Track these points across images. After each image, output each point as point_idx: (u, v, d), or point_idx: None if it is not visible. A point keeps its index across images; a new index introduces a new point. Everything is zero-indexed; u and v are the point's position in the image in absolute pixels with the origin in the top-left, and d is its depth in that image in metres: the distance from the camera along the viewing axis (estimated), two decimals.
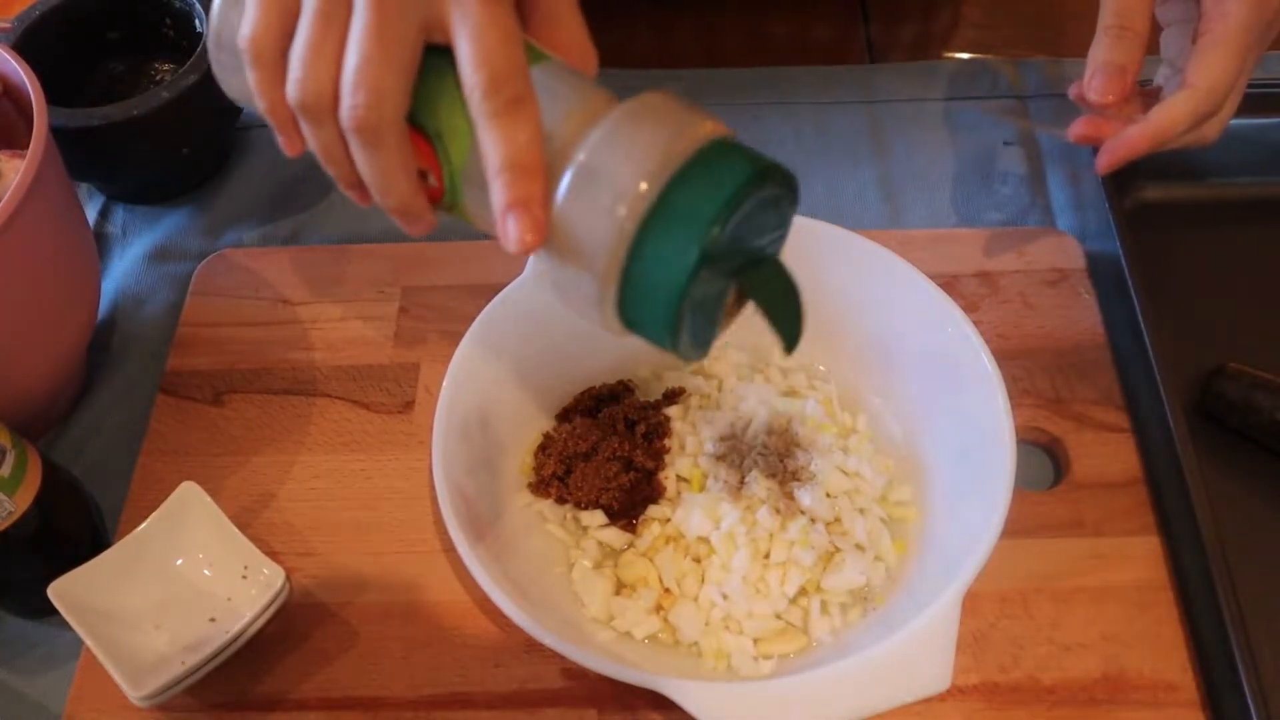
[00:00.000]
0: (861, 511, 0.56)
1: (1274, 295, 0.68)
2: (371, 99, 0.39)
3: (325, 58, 0.40)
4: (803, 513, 0.55)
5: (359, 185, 0.43)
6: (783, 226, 0.43)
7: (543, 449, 0.60)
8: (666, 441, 0.58)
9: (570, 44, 0.45)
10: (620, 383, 0.63)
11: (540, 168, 0.39)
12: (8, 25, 0.70)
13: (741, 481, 0.56)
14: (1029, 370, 0.63)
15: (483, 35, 0.39)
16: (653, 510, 0.57)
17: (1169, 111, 0.57)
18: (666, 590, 0.55)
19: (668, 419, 0.59)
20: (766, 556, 0.54)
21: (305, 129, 0.42)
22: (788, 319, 0.43)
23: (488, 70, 0.39)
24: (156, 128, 0.68)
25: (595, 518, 0.57)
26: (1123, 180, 0.70)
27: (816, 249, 0.61)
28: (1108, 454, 0.60)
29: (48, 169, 0.55)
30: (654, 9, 0.86)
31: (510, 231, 0.38)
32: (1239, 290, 0.68)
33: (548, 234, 0.39)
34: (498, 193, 0.39)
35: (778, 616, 0.54)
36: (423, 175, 0.42)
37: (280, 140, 0.43)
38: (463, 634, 0.55)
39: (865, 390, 0.62)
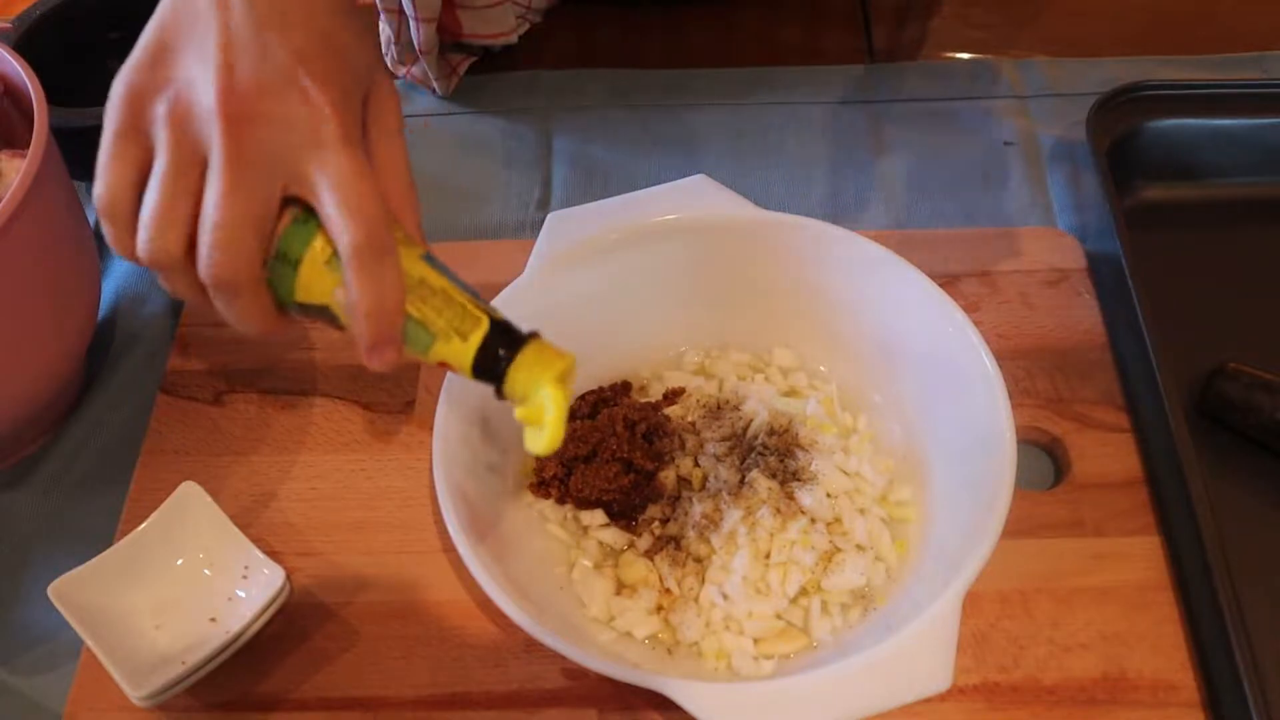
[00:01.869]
0: (862, 512, 0.56)
1: (1274, 295, 0.68)
2: (228, 260, 0.41)
3: (175, 220, 0.42)
4: (803, 513, 0.55)
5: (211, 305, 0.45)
6: None
7: None
8: (667, 442, 0.58)
9: (401, 193, 0.46)
10: (621, 383, 0.63)
11: (401, 308, 0.44)
12: (8, 25, 0.70)
13: (742, 481, 0.56)
14: (1029, 370, 0.63)
15: (350, 187, 0.42)
16: (653, 510, 0.57)
17: None
18: (667, 590, 0.55)
19: (668, 419, 0.59)
20: (767, 556, 0.54)
21: (159, 278, 0.45)
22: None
23: (360, 222, 0.42)
24: None
25: (596, 518, 0.57)
26: (1123, 180, 0.70)
27: (817, 249, 0.61)
28: (1108, 454, 0.60)
29: (48, 169, 0.55)
30: (663, 10, 0.86)
31: (375, 360, 0.44)
32: (1239, 290, 0.68)
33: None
34: (366, 331, 0.43)
35: (778, 617, 0.54)
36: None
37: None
38: (463, 634, 0.55)
39: (865, 390, 0.62)
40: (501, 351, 0.45)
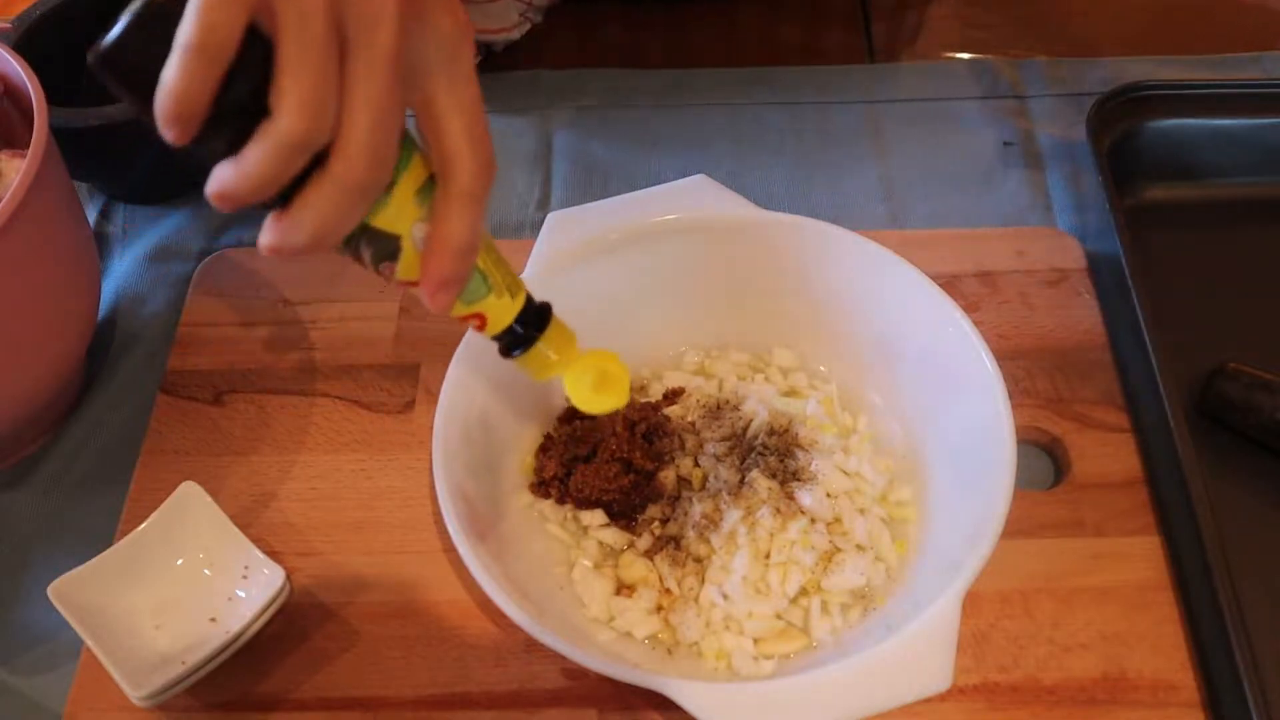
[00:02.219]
0: (862, 511, 0.56)
1: (1274, 295, 0.68)
2: (380, 163, 0.38)
3: (331, 100, 0.37)
4: (803, 513, 0.55)
5: (261, 204, 0.39)
6: None
7: (543, 450, 0.60)
8: (667, 442, 0.58)
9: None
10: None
11: (477, 250, 0.43)
12: (8, 25, 0.70)
13: (742, 481, 0.56)
14: (1029, 370, 0.63)
15: (478, 119, 0.40)
16: (653, 510, 0.57)
17: None
18: (667, 590, 0.55)
19: (668, 419, 0.59)
20: (767, 556, 0.54)
21: (258, 152, 0.37)
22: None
23: (483, 158, 0.40)
24: (157, 128, 0.68)
25: (596, 518, 0.57)
26: (1123, 180, 0.70)
27: (817, 249, 0.61)
28: (1108, 454, 0.60)
29: (48, 169, 0.55)
30: (664, 9, 0.86)
31: (440, 297, 0.42)
32: (1239, 290, 0.68)
33: None
34: (444, 267, 0.41)
35: (778, 617, 0.54)
36: None
37: (167, 131, 0.38)
38: (463, 634, 0.55)
39: (865, 390, 0.62)
40: (536, 319, 0.47)
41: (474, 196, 0.41)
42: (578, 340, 0.49)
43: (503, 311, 0.46)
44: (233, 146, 0.37)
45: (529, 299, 0.47)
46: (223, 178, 0.37)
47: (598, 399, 0.50)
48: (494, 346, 0.48)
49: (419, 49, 0.39)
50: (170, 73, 0.35)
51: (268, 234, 0.39)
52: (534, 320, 0.47)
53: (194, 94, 0.35)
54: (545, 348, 0.48)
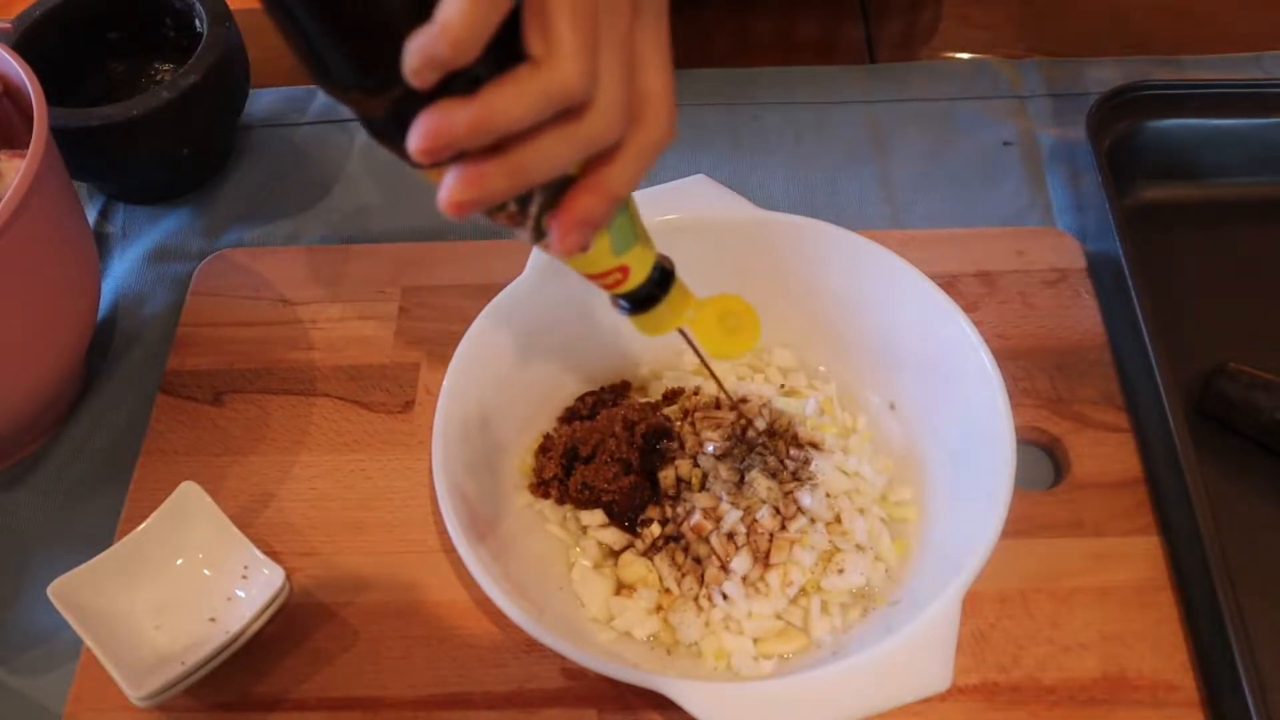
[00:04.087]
0: (862, 511, 0.56)
1: (1274, 295, 0.68)
2: (674, 121, 0.37)
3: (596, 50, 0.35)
4: (803, 513, 0.55)
5: (517, 202, 0.37)
6: None
7: (543, 450, 0.60)
8: (666, 442, 0.58)
9: None
10: (620, 383, 0.63)
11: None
12: (8, 25, 0.70)
13: (741, 481, 0.56)
14: (1029, 370, 0.63)
15: (672, 74, 0.38)
16: (653, 510, 0.57)
17: None
18: (666, 590, 0.55)
19: (668, 419, 0.59)
20: (767, 556, 0.54)
21: (517, 101, 0.33)
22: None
23: (674, 110, 0.38)
24: (156, 128, 0.68)
25: (595, 518, 0.57)
26: (1123, 180, 0.70)
27: (817, 249, 0.61)
28: (1108, 454, 0.60)
29: (48, 169, 0.55)
30: (673, 10, 0.86)
31: (580, 231, 0.38)
32: (1239, 290, 0.68)
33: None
34: (594, 204, 0.38)
35: (778, 617, 0.54)
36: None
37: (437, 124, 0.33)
38: (463, 634, 0.55)
39: (865, 390, 0.62)
40: (663, 272, 0.45)
41: (656, 150, 0.38)
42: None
43: (643, 263, 0.44)
44: (464, 90, 0.33)
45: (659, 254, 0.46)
46: (454, 126, 0.33)
47: (732, 342, 0.48)
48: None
49: None
50: (456, 12, 0.31)
51: (573, 210, 0.37)
52: (662, 274, 0.46)
53: (476, 37, 0.31)
54: (673, 299, 0.46)
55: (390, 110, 0.34)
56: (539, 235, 0.39)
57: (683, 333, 0.48)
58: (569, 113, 0.34)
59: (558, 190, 0.38)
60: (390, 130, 0.34)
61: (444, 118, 0.33)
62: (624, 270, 0.44)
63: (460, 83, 0.32)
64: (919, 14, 0.87)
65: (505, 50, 0.33)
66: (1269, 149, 0.72)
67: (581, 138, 0.35)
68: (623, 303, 0.46)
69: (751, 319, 0.49)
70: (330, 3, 0.31)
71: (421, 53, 0.31)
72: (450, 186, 0.35)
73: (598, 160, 0.37)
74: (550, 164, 0.35)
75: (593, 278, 0.44)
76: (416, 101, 0.33)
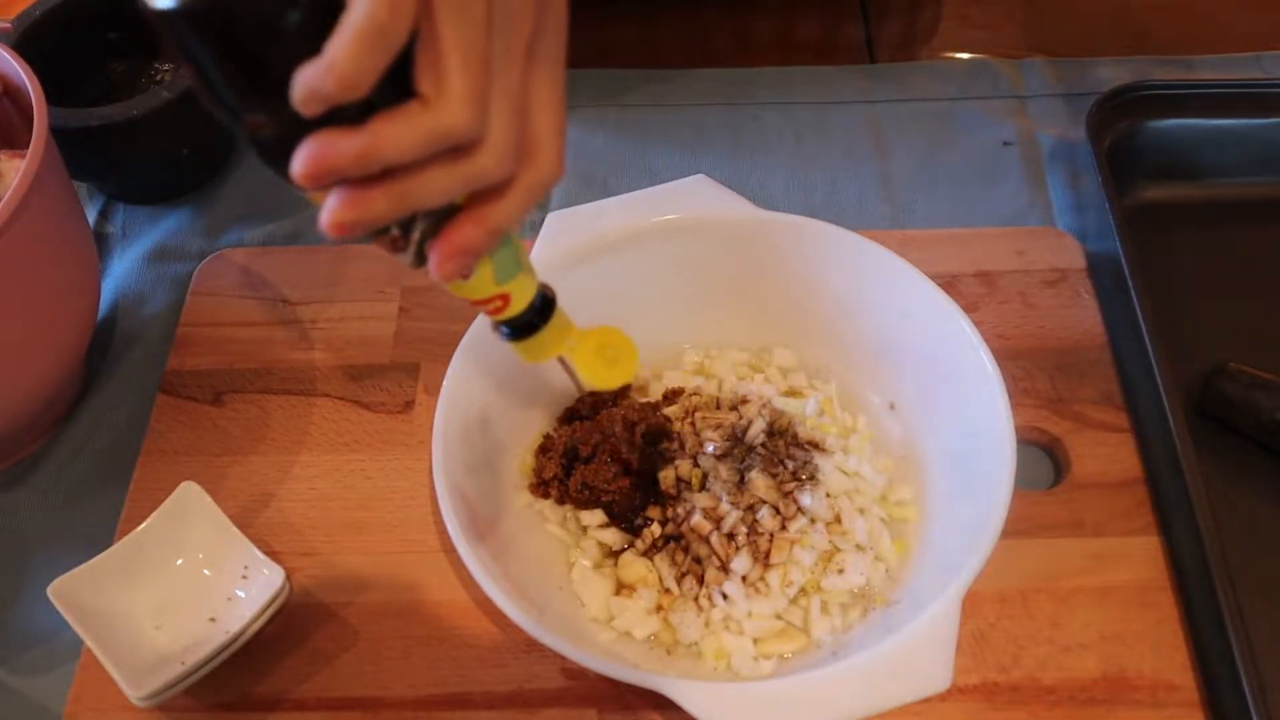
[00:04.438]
0: (862, 511, 0.56)
1: (1274, 295, 0.68)
2: (513, 158, 0.37)
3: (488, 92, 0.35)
4: (803, 513, 0.55)
5: (400, 223, 0.38)
6: None
7: (543, 450, 0.60)
8: (666, 442, 0.58)
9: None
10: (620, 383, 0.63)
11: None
12: (8, 25, 0.70)
13: (741, 481, 0.56)
14: (1029, 370, 0.63)
15: (563, 113, 0.39)
16: (653, 510, 0.57)
17: None
18: (666, 590, 0.55)
19: (668, 419, 0.59)
20: (767, 556, 0.54)
21: (403, 138, 0.33)
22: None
23: (562, 151, 0.39)
24: (156, 128, 0.68)
25: (595, 518, 0.57)
26: (1123, 180, 0.70)
27: (817, 249, 0.61)
28: (1108, 454, 0.60)
29: (48, 169, 0.55)
30: (671, 10, 0.86)
31: (453, 264, 0.39)
32: (1239, 290, 0.68)
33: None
34: (474, 235, 0.38)
35: (778, 617, 0.54)
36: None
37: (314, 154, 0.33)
38: (463, 634, 0.55)
39: (865, 390, 0.62)
40: (544, 301, 0.47)
41: (544, 188, 0.39)
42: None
43: (525, 292, 0.45)
44: (353, 118, 0.33)
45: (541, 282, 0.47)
46: (339, 154, 0.33)
47: (610, 373, 0.50)
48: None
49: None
50: (343, 52, 0.31)
51: (451, 240, 0.37)
52: (544, 302, 0.47)
53: (364, 76, 0.32)
54: (553, 328, 0.47)
55: (278, 134, 0.34)
56: (420, 260, 0.40)
57: (562, 361, 0.49)
58: (458, 148, 0.35)
59: (441, 217, 0.38)
60: (275, 154, 0.35)
61: (329, 145, 0.33)
62: (505, 298, 0.45)
63: (350, 111, 0.33)
64: (919, 14, 0.87)
65: (399, 82, 0.33)
66: (1269, 149, 0.72)
67: (467, 174, 0.36)
68: (504, 329, 0.47)
69: (630, 351, 0.50)
70: (224, 33, 0.32)
71: (307, 86, 0.31)
72: (332, 207, 0.35)
73: (484, 192, 0.38)
74: (434, 194, 0.36)
75: (475, 303, 0.45)
76: (305, 127, 0.33)
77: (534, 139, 0.38)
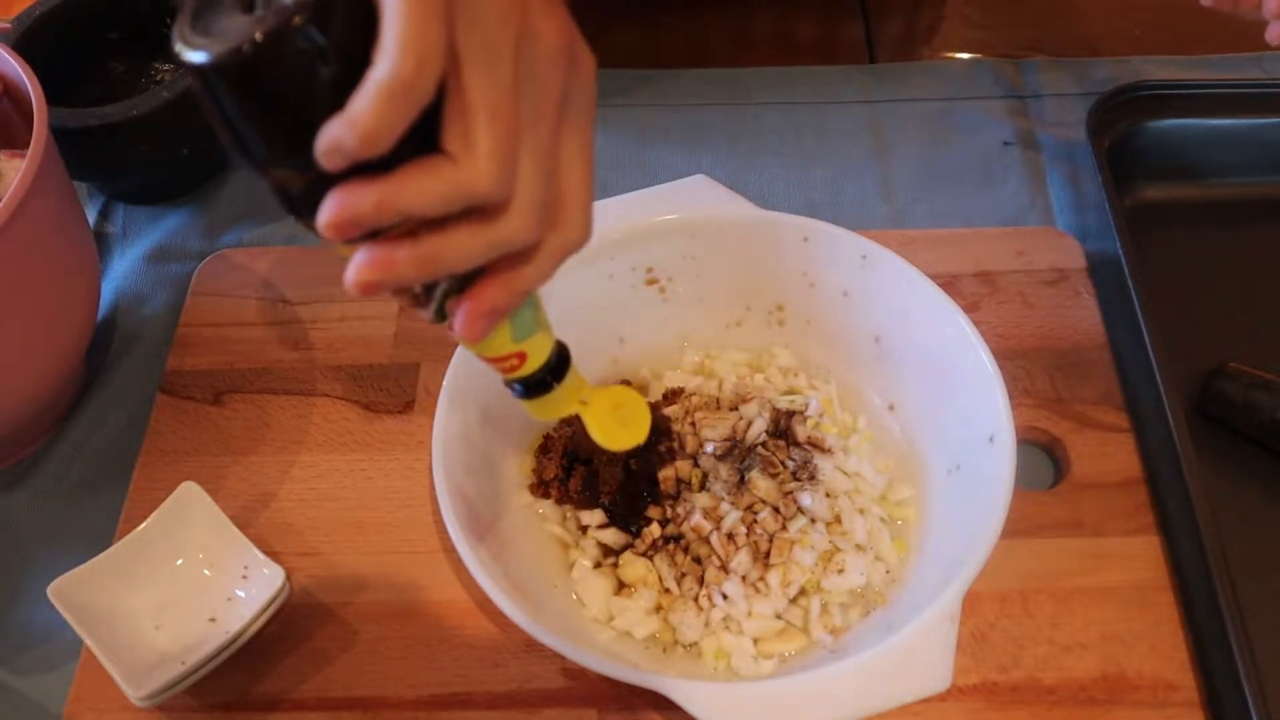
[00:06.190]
0: (862, 511, 0.56)
1: (1274, 295, 0.68)
2: (590, 224, 0.37)
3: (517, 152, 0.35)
4: (803, 513, 0.55)
5: (428, 282, 0.37)
6: None
7: (543, 450, 0.60)
8: (666, 442, 0.58)
9: None
10: (621, 383, 0.63)
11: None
12: (7, 25, 0.70)
13: (741, 481, 0.56)
14: (1029, 370, 0.63)
15: (591, 169, 0.39)
16: (653, 510, 0.57)
17: None
18: (666, 590, 0.55)
19: (668, 419, 0.59)
20: (767, 556, 0.54)
21: (428, 194, 0.33)
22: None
23: (591, 210, 0.39)
24: (156, 128, 0.68)
25: (595, 518, 0.57)
26: (1123, 180, 0.70)
27: (817, 249, 0.61)
28: (1108, 454, 0.60)
29: (48, 169, 0.55)
30: (669, 10, 0.86)
31: (479, 325, 0.38)
32: (1239, 290, 0.68)
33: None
34: (499, 295, 0.38)
35: (778, 616, 0.54)
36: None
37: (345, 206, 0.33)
38: (463, 634, 0.55)
39: (865, 390, 0.62)
40: (559, 359, 0.46)
41: (570, 251, 0.38)
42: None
43: (541, 350, 0.45)
44: (377, 170, 0.33)
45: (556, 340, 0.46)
46: (359, 203, 0.33)
47: (623, 434, 0.50)
48: None
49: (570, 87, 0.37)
50: (366, 108, 0.31)
51: (475, 303, 0.37)
52: (559, 360, 0.46)
53: (386, 133, 0.32)
54: (567, 386, 0.47)
55: (304, 188, 0.34)
56: (441, 317, 0.39)
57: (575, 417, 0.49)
58: (484, 210, 0.35)
59: (465, 277, 0.38)
60: (300, 206, 0.35)
61: (352, 196, 0.33)
62: (521, 356, 0.44)
63: (376, 167, 0.33)
64: (919, 14, 0.87)
65: (426, 137, 0.33)
66: (1269, 149, 0.72)
67: (494, 238, 0.35)
68: (516, 386, 0.46)
69: (643, 412, 0.50)
70: (253, 88, 0.32)
71: (330, 141, 0.31)
72: (358, 267, 0.35)
73: (510, 255, 0.37)
74: (460, 260, 0.35)
75: (490, 360, 0.44)
76: (330, 181, 0.33)
77: (562, 200, 0.37)
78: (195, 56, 0.32)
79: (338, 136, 0.31)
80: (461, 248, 0.35)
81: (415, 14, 0.31)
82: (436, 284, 0.38)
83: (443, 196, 0.33)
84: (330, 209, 0.33)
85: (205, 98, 0.33)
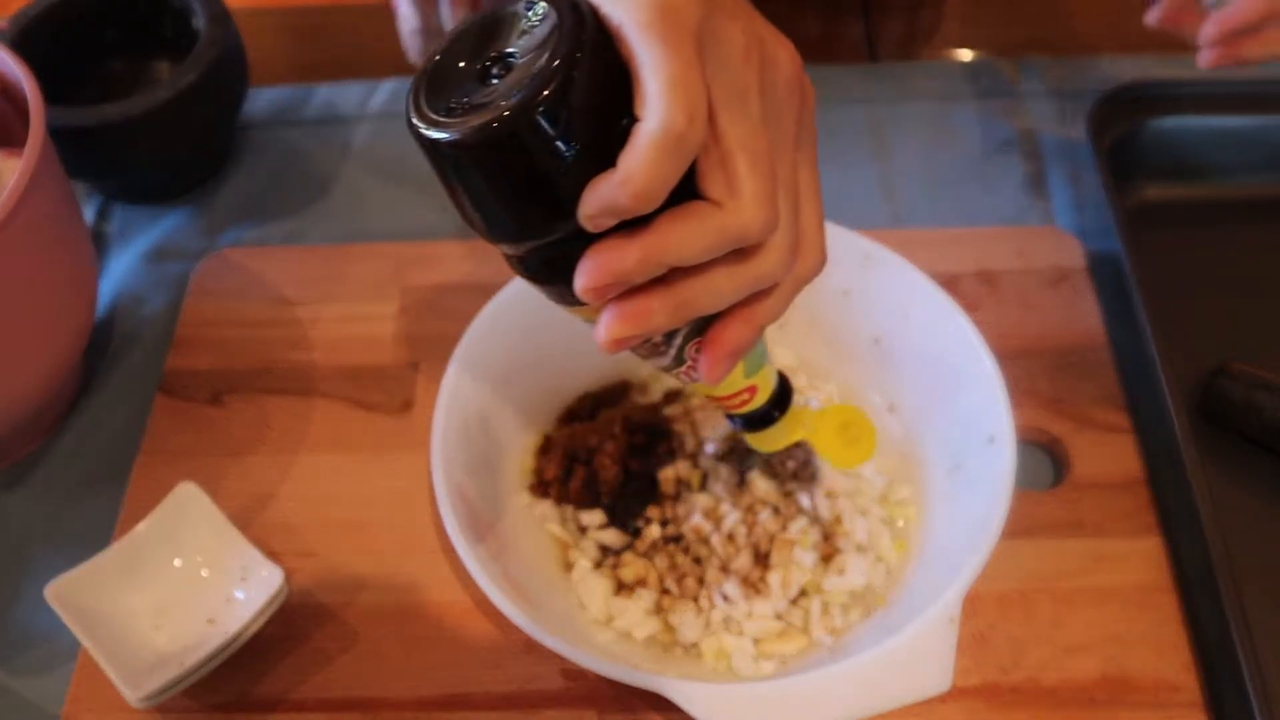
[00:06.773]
0: (862, 512, 0.56)
1: (1274, 295, 0.68)
2: (825, 253, 0.37)
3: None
4: (803, 513, 0.55)
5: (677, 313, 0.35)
6: None
7: (543, 451, 0.59)
8: (666, 442, 0.58)
9: None
10: (620, 383, 0.63)
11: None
12: (4, 24, 0.70)
13: (741, 481, 0.56)
14: (1029, 370, 0.63)
15: (820, 202, 0.39)
16: (652, 511, 0.57)
17: None
18: (666, 591, 0.55)
19: (668, 419, 0.59)
20: (767, 557, 0.54)
21: (696, 240, 0.33)
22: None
23: (824, 244, 0.39)
24: (155, 127, 0.68)
25: (595, 518, 0.57)
26: (1123, 180, 0.70)
27: None
28: (1108, 454, 0.60)
29: (45, 169, 0.54)
30: None
31: (722, 367, 0.38)
32: (1240, 290, 0.68)
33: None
34: (742, 333, 0.37)
35: (778, 617, 0.54)
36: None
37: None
38: (462, 634, 0.55)
39: (865, 390, 0.62)
40: (785, 391, 0.46)
41: (807, 282, 0.38)
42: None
43: (768, 382, 0.44)
44: (630, 226, 0.32)
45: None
46: (624, 259, 0.32)
47: (851, 453, 0.50)
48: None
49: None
50: (640, 164, 0.30)
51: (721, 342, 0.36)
52: (782, 390, 0.45)
53: (660, 188, 0.31)
54: (790, 416, 0.46)
55: (555, 252, 0.33)
56: (679, 363, 0.38)
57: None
58: (739, 250, 0.34)
59: (703, 320, 0.37)
60: (550, 274, 0.34)
61: (613, 254, 0.32)
62: (752, 390, 0.43)
63: (631, 224, 0.32)
64: (919, 13, 0.87)
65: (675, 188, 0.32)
66: (1269, 149, 0.72)
67: (752, 276, 0.35)
68: (739, 420, 0.45)
69: (869, 429, 0.50)
70: (505, 165, 0.30)
71: (600, 201, 0.31)
72: (610, 323, 0.34)
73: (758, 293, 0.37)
74: (717, 301, 0.35)
75: (720, 399, 0.43)
76: (582, 242, 0.32)
77: (802, 232, 0.37)
78: (438, 134, 0.30)
79: (610, 197, 0.31)
80: (719, 291, 0.34)
81: (677, 63, 0.30)
82: (677, 330, 0.37)
83: (711, 242, 0.33)
84: (591, 271, 0.32)
85: (449, 176, 0.31)
